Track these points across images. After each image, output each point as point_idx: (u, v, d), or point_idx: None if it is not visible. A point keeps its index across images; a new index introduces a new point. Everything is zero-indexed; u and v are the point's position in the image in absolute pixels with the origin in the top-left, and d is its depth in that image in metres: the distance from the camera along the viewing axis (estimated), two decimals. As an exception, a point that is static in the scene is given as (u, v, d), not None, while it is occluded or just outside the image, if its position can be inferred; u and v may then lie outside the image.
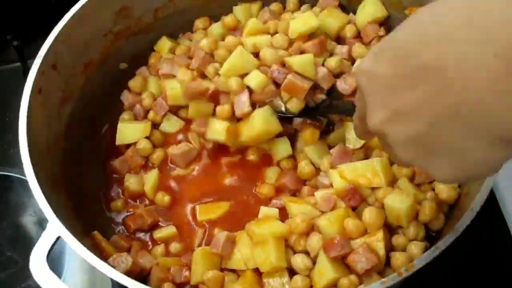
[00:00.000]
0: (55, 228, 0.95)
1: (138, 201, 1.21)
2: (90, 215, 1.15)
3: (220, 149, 1.22)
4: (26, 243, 1.28)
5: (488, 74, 0.46)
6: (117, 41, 1.32)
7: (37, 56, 1.11)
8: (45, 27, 1.16)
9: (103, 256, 1.02)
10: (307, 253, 1.00)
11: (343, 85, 1.18)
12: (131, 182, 1.20)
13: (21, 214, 1.33)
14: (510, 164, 1.37)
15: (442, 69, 0.49)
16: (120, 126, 1.26)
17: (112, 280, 0.91)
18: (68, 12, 1.17)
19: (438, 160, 0.57)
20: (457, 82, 0.48)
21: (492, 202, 1.30)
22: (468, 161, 0.55)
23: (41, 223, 1.30)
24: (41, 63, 1.10)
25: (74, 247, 0.92)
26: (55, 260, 1.23)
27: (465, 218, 0.91)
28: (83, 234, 1.07)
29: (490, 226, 1.27)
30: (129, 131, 1.25)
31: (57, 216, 0.95)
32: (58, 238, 0.95)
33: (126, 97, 1.32)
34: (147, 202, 1.21)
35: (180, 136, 1.26)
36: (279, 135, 1.18)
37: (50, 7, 1.39)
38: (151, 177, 1.20)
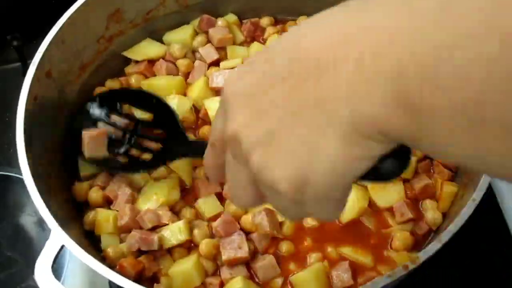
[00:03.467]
0: (58, 237, 0.94)
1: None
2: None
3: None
4: (26, 243, 1.29)
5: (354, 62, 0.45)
6: (111, 46, 1.31)
7: (31, 63, 1.10)
8: (45, 27, 1.16)
9: None
10: None
11: None
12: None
13: (21, 214, 1.33)
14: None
15: (311, 58, 0.48)
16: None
17: (111, 283, 0.91)
18: (61, 18, 1.16)
19: (282, 157, 0.49)
20: (322, 71, 0.47)
21: (491, 202, 1.30)
22: (316, 156, 0.47)
23: (41, 223, 1.30)
24: (36, 70, 1.09)
25: (78, 255, 0.92)
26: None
27: (468, 209, 0.92)
28: (84, 237, 1.08)
29: (489, 226, 1.27)
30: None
31: (60, 224, 0.94)
32: (62, 247, 0.95)
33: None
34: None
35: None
36: None
37: (50, 7, 1.39)
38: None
